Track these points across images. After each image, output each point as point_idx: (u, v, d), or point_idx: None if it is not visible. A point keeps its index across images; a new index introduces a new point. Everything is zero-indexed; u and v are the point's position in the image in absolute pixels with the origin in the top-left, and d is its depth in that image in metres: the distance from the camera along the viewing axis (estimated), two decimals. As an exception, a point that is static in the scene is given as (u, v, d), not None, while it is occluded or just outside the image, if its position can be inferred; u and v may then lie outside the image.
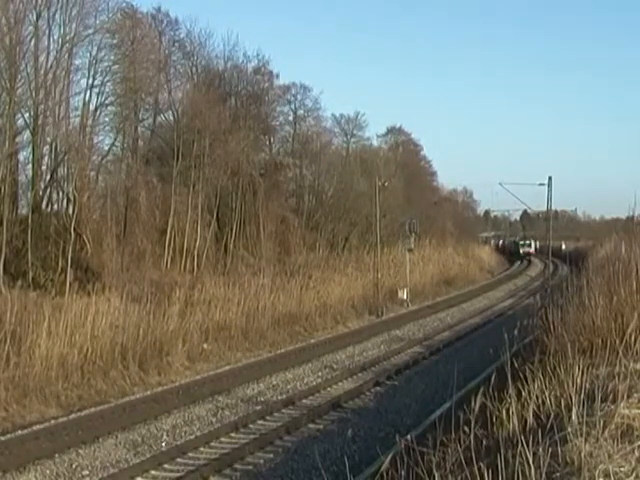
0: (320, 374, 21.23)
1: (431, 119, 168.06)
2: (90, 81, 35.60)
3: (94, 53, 35.58)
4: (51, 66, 33.30)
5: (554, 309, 12.25)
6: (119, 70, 37.39)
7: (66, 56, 33.89)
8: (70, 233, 29.77)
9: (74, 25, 33.85)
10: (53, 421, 16.06)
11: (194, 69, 46.15)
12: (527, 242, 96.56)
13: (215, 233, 41.14)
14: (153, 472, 12.67)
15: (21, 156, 33.88)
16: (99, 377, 19.96)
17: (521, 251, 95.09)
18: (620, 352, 7.67)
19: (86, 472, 12.77)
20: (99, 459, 13.38)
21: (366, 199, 51.56)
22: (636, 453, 5.42)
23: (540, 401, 7.68)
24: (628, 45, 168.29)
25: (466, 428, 7.26)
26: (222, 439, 14.53)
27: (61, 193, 34.17)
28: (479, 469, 5.55)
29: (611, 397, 6.63)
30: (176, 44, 44.79)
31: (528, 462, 5.31)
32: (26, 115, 32.89)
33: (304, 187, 53.29)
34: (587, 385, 7.30)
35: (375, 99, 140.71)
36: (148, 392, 19.04)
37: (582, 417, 6.11)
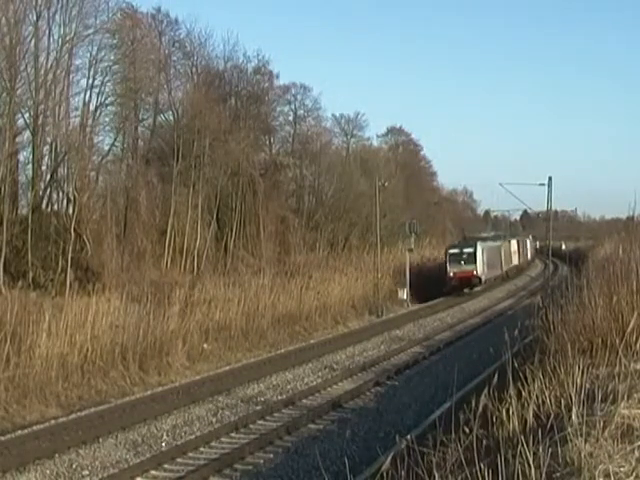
0: (320, 374, 21.22)
1: (431, 119, 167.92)
2: (90, 81, 35.70)
3: (94, 53, 35.69)
4: (51, 66, 33.35)
5: (554, 309, 12.24)
6: (119, 70, 37.46)
7: (66, 56, 33.94)
8: (70, 233, 29.80)
9: (74, 25, 33.92)
10: (53, 421, 16.06)
11: (194, 69, 46.23)
12: (466, 251, 45.21)
13: (215, 233, 41.18)
14: (153, 472, 12.67)
15: (21, 156, 33.99)
16: (99, 377, 19.97)
17: (450, 272, 44.09)
18: (620, 352, 7.67)
19: (86, 472, 12.77)
20: (99, 459, 13.38)
21: (366, 199, 51.59)
22: (636, 453, 5.42)
23: (540, 401, 7.68)
24: (628, 44, 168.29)
25: (466, 428, 7.26)
26: (222, 439, 14.53)
27: (61, 193, 34.22)
28: (479, 469, 5.55)
29: (611, 397, 6.63)
30: (176, 44, 44.93)
31: (528, 462, 5.31)
32: (26, 115, 32.99)
33: (304, 187, 53.35)
34: (587, 385, 7.30)
35: (375, 99, 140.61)
36: (148, 392, 19.04)
37: (582, 417, 6.11)
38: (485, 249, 46.93)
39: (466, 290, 44.80)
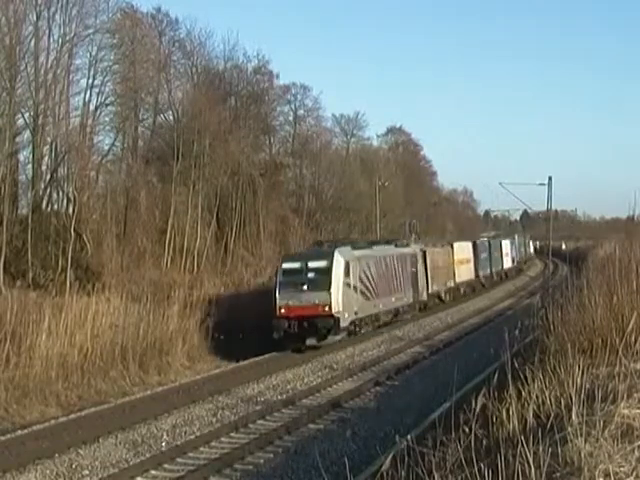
0: (320, 374, 21.20)
1: (431, 119, 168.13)
2: (90, 81, 35.79)
3: (94, 53, 35.78)
4: (51, 66, 33.39)
5: (554, 309, 12.24)
6: (119, 70, 37.53)
7: (66, 56, 33.98)
8: (70, 233, 29.81)
9: (74, 25, 33.98)
10: (53, 421, 16.08)
11: (194, 69, 46.29)
12: (312, 266, 24.70)
13: (215, 233, 41.20)
14: (153, 472, 12.67)
15: (21, 156, 34.04)
16: (99, 377, 20.00)
17: (281, 307, 24.04)
18: (620, 352, 7.66)
19: (86, 472, 12.76)
20: (99, 459, 13.37)
21: (366, 199, 51.68)
22: (636, 453, 5.43)
23: (540, 401, 7.68)
24: (629, 44, 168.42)
25: (466, 428, 7.27)
26: (222, 439, 14.53)
27: (61, 193, 34.25)
28: (479, 469, 5.55)
29: (611, 397, 6.63)
30: (176, 44, 45.01)
31: (528, 462, 5.31)
32: (26, 115, 33.02)
33: (304, 187, 53.39)
34: (587, 385, 7.30)
35: (375, 99, 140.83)
36: (148, 392, 19.05)
37: (582, 417, 6.11)
38: (356, 261, 26.20)
39: (311, 343, 24.13)
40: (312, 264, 24.80)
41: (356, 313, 25.82)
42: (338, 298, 24.33)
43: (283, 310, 24.01)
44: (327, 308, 23.99)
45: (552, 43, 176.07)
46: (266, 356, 24.01)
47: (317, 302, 23.99)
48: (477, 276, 46.72)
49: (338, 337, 24.91)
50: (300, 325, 23.79)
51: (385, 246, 32.47)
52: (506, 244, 59.25)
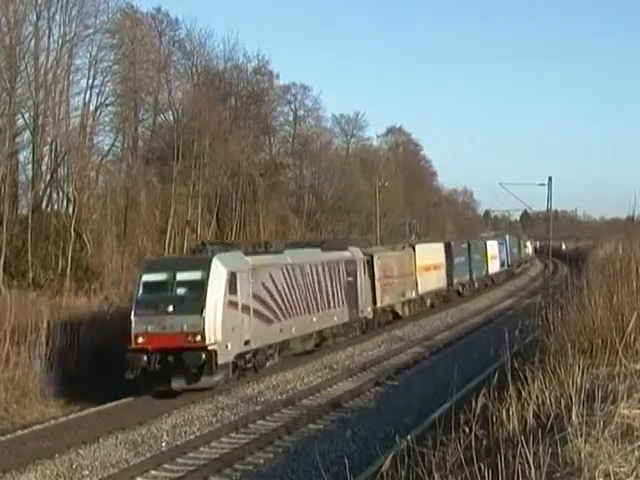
0: (320, 374, 21.17)
1: (431, 119, 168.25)
2: (90, 81, 35.89)
3: (94, 53, 35.88)
4: (51, 66, 33.46)
5: (554, 309, 12.25)
6: (119, 70, 37.61)
7: (66, 56, 34.04)
8: (70, 233, 29.85)
9: (74, 25, 34.06)
10: (53, 421, 16.07)
11: (194, 69, 46.35)
12: (182, 278, 18.35)
13: (215, 233, 41.24)
14: (153, 472, 12.66)
15: (21, 156, 34.12)
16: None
17: (137, 335, 17.64)
18: (620, 352, 7.67)
19: (86, 472, 12.76)
20: (99, 459, 13.37)
21: (366, 199, 51.70)
22: (636, 453, 5.43)
23: (540, 401, 7.68)
24: (629, 44, 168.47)
25: (466, 428, 7.27)
26: (222, 439, 14.52)
27: (61, 193, 34.31)
28: (479, 469, 5.55)
29: (611, 397, 6.64)
30: (176, 44, 45.07)
31: (528, 462, 5.32)
32: (26, 115, 33.09)
33: (304, 187, 53.43)
34: (587, 385, 7.31)
35: (375, 99, 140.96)
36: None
37: (582, 417, 6.12)
38: (248, 272, 19.72)
39: (178, 386, 17.72)
40: (182, 276, 18.51)
41: (247, 343, 19.16)
42: (216, 323, 17.90)
43: (141, 340, 17.72)
44: (199, 338, 17.59)
45: (552, 43, 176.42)
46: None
47: (185, 329, 17.68)
48: (450, 284, 39.71)
49: (217, 378, 18.06)
50: (163, 361, 17.50)
51: (305, 250, 25.40)
52: (492, 245, 52.62)
